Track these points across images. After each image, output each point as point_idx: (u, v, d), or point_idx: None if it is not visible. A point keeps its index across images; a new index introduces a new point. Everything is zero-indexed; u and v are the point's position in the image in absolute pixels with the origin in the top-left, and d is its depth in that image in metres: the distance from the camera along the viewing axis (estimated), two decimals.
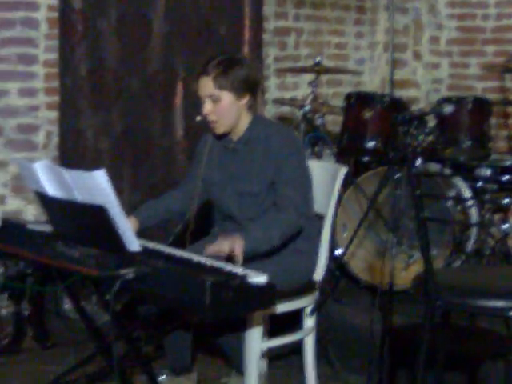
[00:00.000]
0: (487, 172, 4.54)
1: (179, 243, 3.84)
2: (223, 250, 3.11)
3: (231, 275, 2.90)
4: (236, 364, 3.55)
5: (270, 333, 3.69)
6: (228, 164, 3.49)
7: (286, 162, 3.35)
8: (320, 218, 3.76)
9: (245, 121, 3.44)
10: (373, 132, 4.73)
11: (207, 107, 3.37)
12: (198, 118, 3.46)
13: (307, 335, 3.61)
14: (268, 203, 3.40)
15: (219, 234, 3.43)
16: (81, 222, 3.05)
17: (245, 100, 3.39)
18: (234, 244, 3.12)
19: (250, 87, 3.39)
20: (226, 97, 3.35)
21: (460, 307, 2.88)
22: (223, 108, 3.36)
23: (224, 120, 3.39)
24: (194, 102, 5.03)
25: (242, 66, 3.37)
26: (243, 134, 3.45)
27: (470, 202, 4.46)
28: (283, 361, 4.08)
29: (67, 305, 4.22)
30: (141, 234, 3.38)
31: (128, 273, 2.79)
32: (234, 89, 3.35)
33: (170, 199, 3.67)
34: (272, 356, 3.92)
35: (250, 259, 3.21)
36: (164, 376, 3.67)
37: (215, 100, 3.35)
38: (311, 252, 3.55)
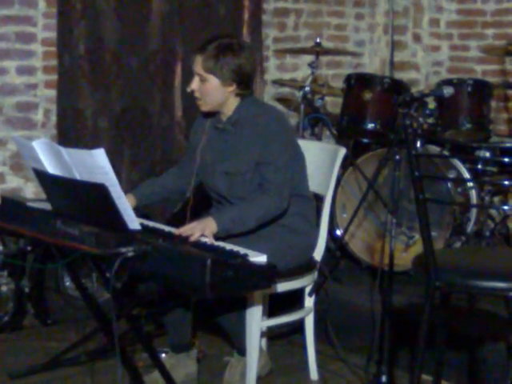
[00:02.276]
0: (487, 154, 4.54)
1: (179, 222, 3.84)
2: (194, 233, 3.12)
3: (232, 254, 2.91)
4: (237, 344, 3.56)
5: (271, 312, 3.70)
6: (217, 144, 3.51)
7: (271, 143, 3.37)
8: (319, 198, 3.77)
9: (233, 103, 3.45)
10: (372, 114, 4.72)
11: (194, 84, 3.42)
12: (188, 89, 3.49)
13: (307, 315, 3.62)
14: (255, 182, 3.42)
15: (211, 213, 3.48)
16: (80, 201, 3.04)
17: (231, 88, 3.41)
18: (205, 227, 3.15)
19: (240, 78, 3.39)
20: (212, 80, 3.38)
21: (460, 288, 2.88)
22: (208, 90, 3.40)
23: (207, 100, 3.43)
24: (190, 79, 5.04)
25: (237, 55, 3.37)
26: (232, 115, 3.47)
27: (470, 184, 4.46)
28: (284, 339, 4.10)
29: (68, 282, 4.22)
30: (139, 211, 3.39)
31: (128, 251, 2.80)
32: (221, 75, 3.37)
33: (169, 178, 3.71)
34: (273, 335, 3.94)
35: (250, 237, 3.26)
36: (164, 354, 3.68)
37: (202, 80, 3.39)
38: (308, 231, 3.56)
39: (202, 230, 3.14)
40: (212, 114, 3.53)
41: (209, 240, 3.13)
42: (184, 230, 3.14)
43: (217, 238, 3.18)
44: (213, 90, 3.40)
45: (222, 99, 3.43)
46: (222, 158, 3.48)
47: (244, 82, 3.42)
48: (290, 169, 3.41)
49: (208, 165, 3.53)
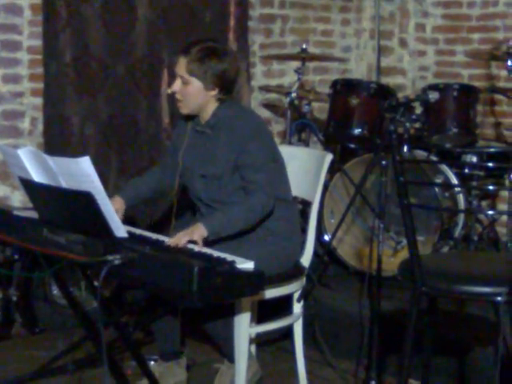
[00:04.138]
0: (473, 159, 4.55)
1: (163, 228, 3.85)
2: (182, 243, 3.11)
3: (219, 261, 2.90)
4: (226, 351, 3.56)
5: (260, 318, 3.70)
6: (196, 147, 3.53)
7: (248, 145, 3.37)
8: (306, 204, 3.77)
9: (212, 106, 3.46)
10: (359, 119, 4.74)
11: (176, 85, 3.43)
12: (168, 91, 3.50)
13: (296, 321, 3.62)
14: (232, 186, 3.42)
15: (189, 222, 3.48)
16: (67, 209, 3.03)
17: (213, 92, 3.41)
18: (192, 234, 3.14)
19: (223, 83, 3.40)
20: (195, 84, 3.39)
21: (446, 293, 2.89)
22: (189, 92, 3.40)
23: (188, 103, 3.43)
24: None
25: (222, 60, 3.37)
26: (210, 118, 3.47)
27: (457, 189, 4.47)
28: (273, 346, 4.10)
29: (55, 291, 4.20)
30: (125, 216, 3.42)
31: (115, 259, 2.79)
32: (204, 79, 3.37)
33: (153, 178, 3.71)
34: (262, 341, 3.93)
35: (235, 244, 3.27)
36: (153, 362, 3.67)
37: (184, 82, 3.40)
38: (292, 236, 3.56)
39: (190, 235, 3.13)
40: (193, 117, 3.54)
41: (198, 245, 3.12)
42: (173, 241, 3.12)
43: (206, 242, 3.18)
44: (194, 93, 3.40)
45: (202, 103, 3.43)
46: (200, 161, 3.49)
47: (226, 87, 3.42)
48: (271, 170, 3.41)
49: (188, 168, 3.54)
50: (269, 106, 5.41)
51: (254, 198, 3.34)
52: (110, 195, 2.96)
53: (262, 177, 3.36)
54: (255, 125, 3.45)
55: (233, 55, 3.48)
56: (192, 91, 3.40)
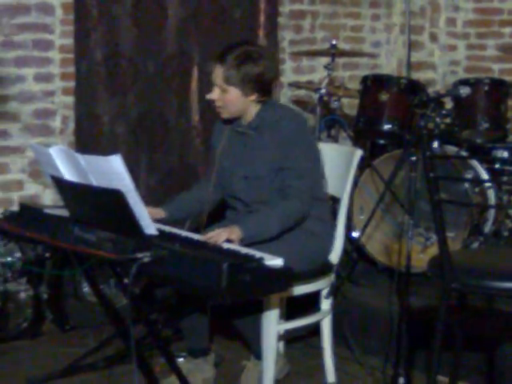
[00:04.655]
0: (504, 154, 4.52)
1: (195, 228, 3.85)
2: (220, 239, 3.12)
3: (248, 258, 2.91)
4: (254, 348, 3.57)
5: (288, 315, 3.70)
6: (237, 148, 3.51)
7: (293, 149, 3.36)
8: (336, 200, 3.77)
9: (254, 109, 3.45)
10: (389, 115, 4.71)
11: (214, 94, 3.42)
12: (207, 97, 3.48)
13: (324, 317, 3.62)
14: (274, 187, 3.41)
15: (227, 218, 3.51)
16: (97, 207, 3.06)
17: (253, 97, 3.41)
18: (230, 234, 3.15)
19: (260, 86, 3.39)
20: (233, 92, 3.38)
21: (476, 289, 2.88)
22: (229, 100, 3.40)
23: (228, 109, 3.43)
24: (209, 86, 5.06)
25: (257, 64, 3.36)
26: (253, 120, 3.46)
27: (488, 184, 4.44)
28: (301, 342, 4.10)
29: (86, 288, 4.23)
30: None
31: (145, 256, 2.80)
32: (242, 86, 3.36)
33: (200, 189, 3.67)
34: (290, 337, 3.94)
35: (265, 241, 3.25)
36: (181, 359, 3.69)
37: (223, 90, 3.38)
38: (324, 234, 3.56)
39: (228, 235, 3.15)
40: (228, 120, 3.53)
41: (234, 245, 3.12)
42: (210, 236, 3.14)
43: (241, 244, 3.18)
44: (234, 101, 3.40)
45: (243, 108, 3.43)
46: (241, 162, 3.48)
47: (265, 89, 3.42)
48: (312, 174, 3.41)
49: (226, 169, 3.53)
50: (298, 102, 5.40)
51: (290, 204, 3.32)
52: (140, 193, 2.98)
53: (302, 184, 3.35)
54: (300, 126, 3.43)
55: (268, 56, 3.45)
56: (231, 99, 3.39)
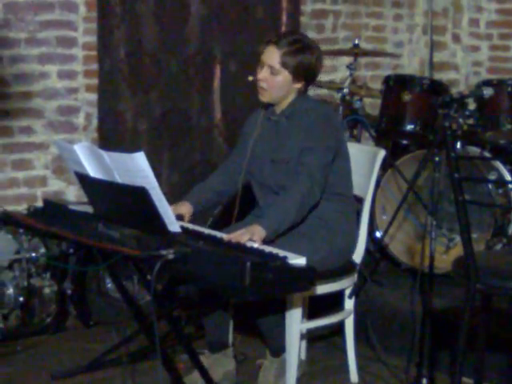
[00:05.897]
0: None
1: (220, 225, 3.84)
2: (242, 240, 3.12)
3: (271, 256, 2.91)
4: (272, 345, 3.56)
5: (311, 314, 3.70)
6: (269, 135, 3.54)
7: (314, 129, 3.40)
8: (359, 200, 3.76)
9: (291, 97, 3.49)
10: (412, 115, 4.70)
11: (263, 74, 3.44)
12: (250, 78, 3.51)
13: (347, 317, 3.62)
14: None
15: (256, 211, 3.53)
16: (121, 203, 3.07)
17: (299, 85, 3.46)
18: (253, 234, 3.14)
19: (309, 76, 3.46)
20: (285, 75, 3.41)
21: (500, 291, 2.87)
22: (277, 83, 3.43)
23: (273, 93, 3.45)
24: (231, 84, 5.07)
25: (313, 54, 3.44)
26: (285, 108, 3.50)
27: (511, 185, 4.42)
28: (324, 341, 4.09)
29: (109, 284, 4.25)
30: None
31: (168, 253, 2.80)
32: (294, 72, 3.41)
33: (217, 180, 3.67)
34: (313, 337, 3.94)
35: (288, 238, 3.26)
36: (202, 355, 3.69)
37: (273, 72, 3.41)
38: (348, 232, 3.56)
39: (251, 235, 3.14)
40: (267, 107, 3.56)
41: (258, 245, 3.11)
42: (234, 236, 3.14)
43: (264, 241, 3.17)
44: (282, 84, 3.43)
45: (285, 93, 3.46)
46: (271, 148, 3.51)
47: (311, 80, 3.49)
48: (327, 157, 3.39)
49: (258, 156, 3.55)
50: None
51: (298, 184, 3.31)
52: (163, 190, 2.98)
53: (314, 161, 3.35)
54: (327, 114, 3.49)
55: (319, 50, 3.51)
56: (280, 82, 3.42)
